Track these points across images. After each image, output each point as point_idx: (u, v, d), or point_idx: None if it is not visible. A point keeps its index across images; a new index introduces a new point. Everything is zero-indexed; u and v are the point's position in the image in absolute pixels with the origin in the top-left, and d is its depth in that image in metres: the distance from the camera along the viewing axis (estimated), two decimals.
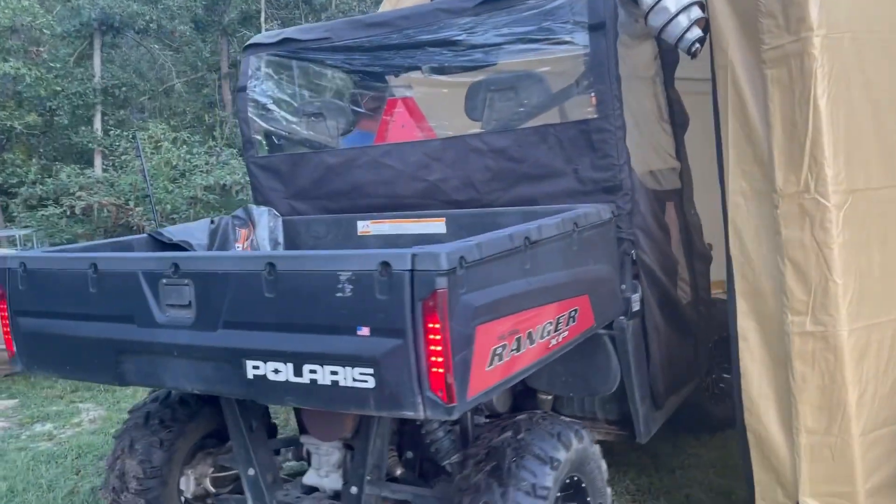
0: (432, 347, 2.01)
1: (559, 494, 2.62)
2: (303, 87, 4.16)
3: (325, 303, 2.13)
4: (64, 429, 5.45)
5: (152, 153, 13.64)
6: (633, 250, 3.09)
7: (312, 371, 2.17)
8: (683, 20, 3.08)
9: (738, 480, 3.58)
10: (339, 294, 2.10)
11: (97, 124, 15.73)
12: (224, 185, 13.40)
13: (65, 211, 12.79)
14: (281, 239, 3.90)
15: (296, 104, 4.07)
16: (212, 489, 3.30)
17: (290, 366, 2.21)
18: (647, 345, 3.18)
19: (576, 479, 2.74)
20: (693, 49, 3.11)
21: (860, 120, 2.84)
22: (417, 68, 3.83)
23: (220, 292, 2.35)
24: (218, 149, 14.30)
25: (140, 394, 5.98)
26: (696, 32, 3.08)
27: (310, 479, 3.09)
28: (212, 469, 3.32)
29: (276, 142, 4.09)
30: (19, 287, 2.84)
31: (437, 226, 3.45)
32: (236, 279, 2.32)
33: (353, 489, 2.85)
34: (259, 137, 4.01)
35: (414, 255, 2.02)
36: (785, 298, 2.85)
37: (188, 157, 13.76)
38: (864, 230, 2.80)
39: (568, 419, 2.85)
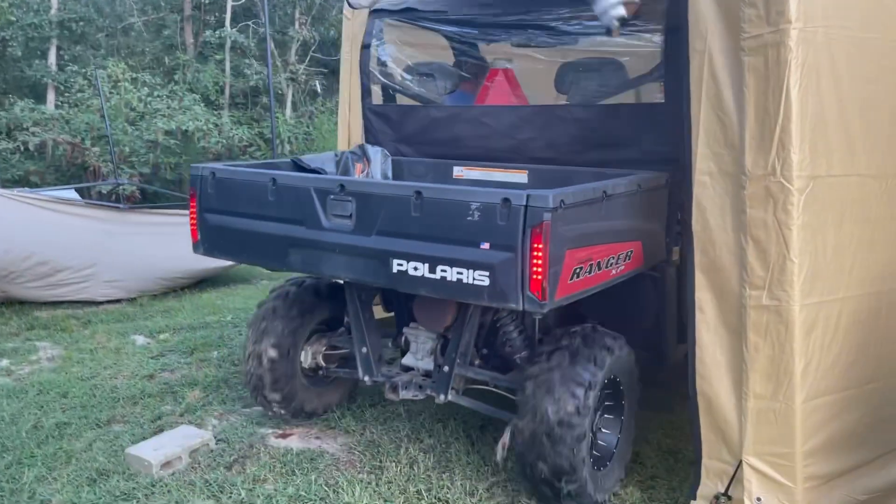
0: (535, 261, 2.82)
1: (603, 389, 3.40)
2: (415, 49, 4.92)
3: (457, 223, 2.97)
4: (21, 366, 5.43)
5: (111, 93, 13.28)
6: (679, 212, 3.72)
7: (443, 270, 3.01)
8: None
9: (685, 441, 3.89)
10: (469, 218, 2.94)
11: (52, 59, 15.21)
12: (186, 130, 13.16)
13: (18, 146, 12.40)
14: (390, 174, 4.70)
15: (409, 63, 4.83)
16: (322, 363, 4.18)
17: (426, 265, 3.05)
18: (678, 289, 3.81)
19: (615, 378, 3.52)
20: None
21: (826, 110, 3.02)
22: (518, 45, 4.61)
23: (376, 208, 3.20)
24: (180, 94, 14.00)
25: (96, 337, 6.02)
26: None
27: (407, 360, 3.94)
28: (325, 347, 4.19)
29: (389, 93, 4.89)
30: (208, 190, 3.68)
31: (520, 177, 4.23)
32: (390, 200, 3.17)
33: (445, 368, 3.66)
34: (376, 88, 4.80)
35: (528, 195, 2.84)
36: (745, 274, 3.05)
37: (148, 99, 13.44)
38: (821, 214, 3.00)
39: (612, 332, 3.55)
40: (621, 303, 3.61)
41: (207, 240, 3.77)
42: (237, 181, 3.68)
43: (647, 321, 3.87)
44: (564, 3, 4.10)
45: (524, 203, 2.84)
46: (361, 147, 4.67)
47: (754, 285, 3.02)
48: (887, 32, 3.23)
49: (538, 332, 3.75)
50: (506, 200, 2.87)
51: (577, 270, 3.05)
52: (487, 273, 2.91)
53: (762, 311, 3.01)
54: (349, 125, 5.48)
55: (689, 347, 3.27)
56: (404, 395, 3.76)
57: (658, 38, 3.79)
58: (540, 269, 2.82)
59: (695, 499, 3.26)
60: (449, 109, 4.66)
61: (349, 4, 4.99)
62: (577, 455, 3.19)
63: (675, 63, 3.42)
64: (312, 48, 17.22)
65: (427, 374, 3.82)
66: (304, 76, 16.89)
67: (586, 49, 4.28)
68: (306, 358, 4.17)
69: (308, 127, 16.32)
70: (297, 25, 16.79)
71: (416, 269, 3.08)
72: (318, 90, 17.19)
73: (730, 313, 3.14)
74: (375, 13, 4.74)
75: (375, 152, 4.64)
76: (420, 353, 3.89)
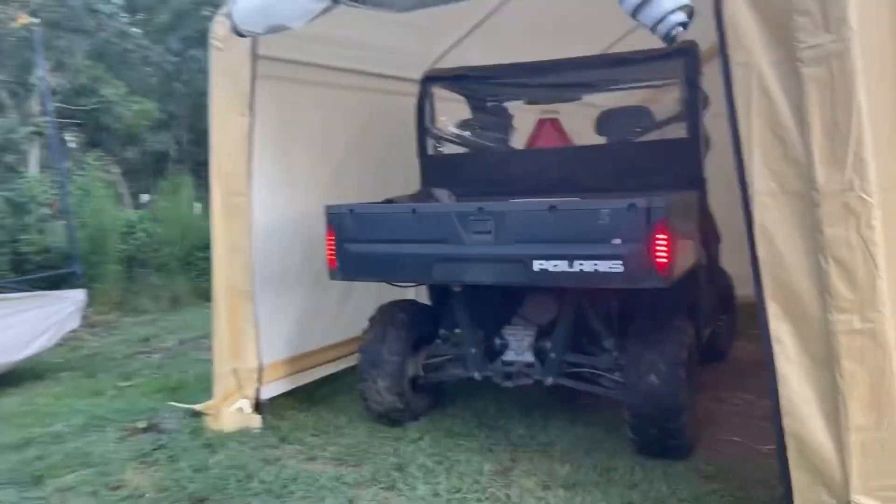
0: (658, 248, 3.63)
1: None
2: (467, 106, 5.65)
3: (591, 226, 3.75)
4: None
5: None
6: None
7: (581, 264, 3.75)
8: (667, 2, 2.95)
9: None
10: (601, 221, 3.71)
11: None
12: None
13: None
14: None
15: (465, 119, 5.63)
16: (421, 372, 4.86)
17: (565, 262, 3.78)
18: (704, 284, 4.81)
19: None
20: (674, 34, 2.98)
21: (874, 120, 2.93)
22: (562, 100, 5.64)
23: (514, 223, 3.98)
24: None
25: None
26: (681, 16, 2.97)
27: (508, 356, 4.59)
28: (423, 357, 4.88)
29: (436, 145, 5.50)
30: (346, 224, 4.35)
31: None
32: (528, 214, 4.00)
33: (552, 355, 4.45)
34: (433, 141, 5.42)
35: (649, 199, 3.66)
36: (829, 297, 2.83)
37: None
38: (891, 228, 2.89)
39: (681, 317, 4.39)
40: (675, 292, 4.00)
41: (348, 266, 4.43)
42: (374, 214, 4.47)
43: (690, 307, 4.63)
44: (599, 64, 5.17)
45: (646, 206, 3.64)
46: (428, 191, 5.21)
47: (842, 309, 2.82)
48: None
49: (616, 323, 4.55)
50: (631, 205, 3.67)
51: (678, 255, 3.79)
52: (620, 262, 3.67)
53: (855, 336, 2.81)
54: (225, 171, 4.67)
55: (769, 384, 2.98)
56: (517, 382, 4.53)
57: (680, 87, 4.64)
58: (664, 253, 3.62)
59: None
60: (504, 154, 5.48)
61: (238, 33, 4.16)
62: (683, 409, 4.04)
63: (693, 107, 4.53)
64: (57, 97, 15.02)
65: (529, 365, 4.52)
66: (49, 128, 14.61)
67: (619, 96, 5.67)
68: (413, 367, 4.86)
69: (64, 186, 14.10)
70: (39, 71, 14.53)
71: (555, 266, 3.82)
72: (73, 143, 15.03)
73: (812, 341, 2.91)
74: (427, 81, 5.37)
75: (441, 194, 5.19)
76: (521, 348, 4.59)
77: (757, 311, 3.03)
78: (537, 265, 3.84)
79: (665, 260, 3.59)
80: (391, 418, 4.78)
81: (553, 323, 4.52)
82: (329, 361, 5.63)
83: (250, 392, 4.92)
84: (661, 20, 2.87)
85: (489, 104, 5.64)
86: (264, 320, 4.98)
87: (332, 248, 4.36)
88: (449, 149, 5.53)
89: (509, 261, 3.94)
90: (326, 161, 5.53)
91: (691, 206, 4.41)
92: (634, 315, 4.40)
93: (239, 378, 4.90)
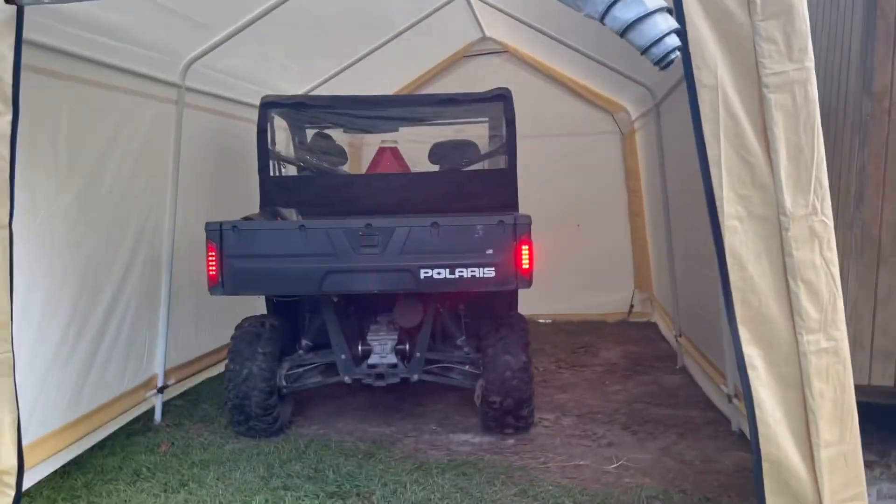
0: (523, 256, 4.44)
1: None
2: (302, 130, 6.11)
3: (468, 239, 4.47)
4: None
5: None
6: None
7: (461, 271, 4.43)
8: (662, 23, 2.81)
9: None
10: (476, 235, 4.46)
11: None
12: None
13: None
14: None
15: (299, 142, 6.08)
16: (284, 382, 5.11)
17: (447, 270, 4.43)
18: None
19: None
20: (671, 59, 2.86)
21: None
22: (392, 130, 6.28)
23: (401, 238, 4.49)
24: None
25: None
26: (676, 40, 2.85)
27: (373, 360, 5.11)
28: (288, 367, 5.18)
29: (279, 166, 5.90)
30: (231, 240, 4.55)
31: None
32: (415, 230, 4.51)
33: (417, 354, 5.06)
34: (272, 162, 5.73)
35: (515, 217, 4.50)
36: (800, 319, 2.90)
37: None
38: None
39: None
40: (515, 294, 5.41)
41: (231, 280, 4.58)
42: (259, 230, 4.68)
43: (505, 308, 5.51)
44: (429, 102, 5.90)
45: (513, 223, 4.46)
46: (275, 210, 5.58)
47: (811, 329, 2.90)
48: None
49: (464, 321, 5.38)
50: (501, 221, 4.47)
51: (535, 262, 4.56)
52: (493, 269, 4.42)
53: (822, 355, 2.91)
54: None
55: (746, 410, 2.94)
56: (387, 381, 5.05)
57: (501, 126, 5.58)
58: (526, 262, 4.44)
59: None
60: (345, 177, 6.07)
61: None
62: (530, 387, 4.84)
63: (511, 142, 5.47)
64: None
65: (393, 366, 5.07)
66: None
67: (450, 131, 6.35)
68: (279, 377, 5.10)
69: None
70: None
71: (438, 273, 4.43)
72: None
73: (782, 365, 2.96)
74: (267, 106, 5.62)
75: (289, 213, 5.66)
76: (383, 351, 5.13)
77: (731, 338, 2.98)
78: (423, 274, 4.43)
79: (528, 266, 4.44)
80: (258, 431, 4.96)
81: (419, 326, 5.08)
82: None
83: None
84: (656, 42, 2.65)
85: (324, 130, 6.20)
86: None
87: (214, 263, 4.52)
88: (289, 170, 5.97)
89: (398, 270, 4.48)
90: (74, 173, 4.30)
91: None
92: (483, 316, 5.20)
93: None
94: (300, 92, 7.34)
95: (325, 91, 7.51)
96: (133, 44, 4.78)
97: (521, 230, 4.42)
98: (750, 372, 2.95)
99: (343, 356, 5.04)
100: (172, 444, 4.87)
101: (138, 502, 4.00)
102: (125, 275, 4.95)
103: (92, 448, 4.63)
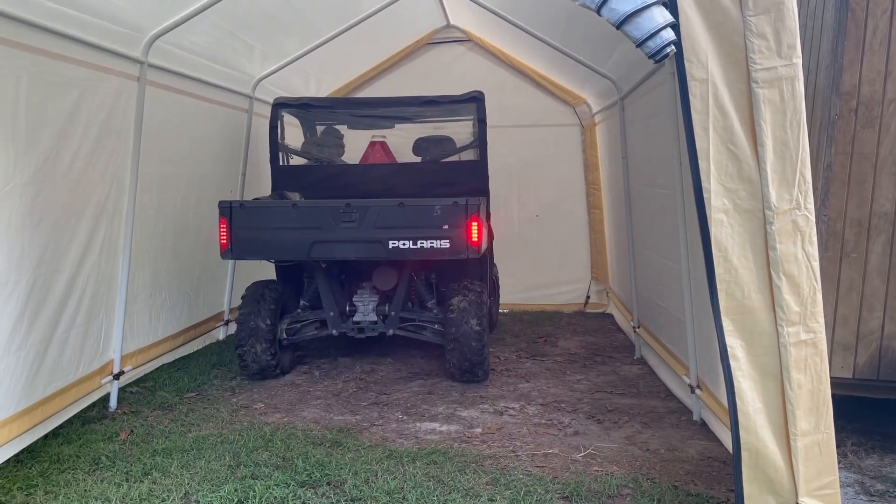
0: (473, 231, 5.30)
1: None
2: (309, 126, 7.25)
3: (428, 217, 5.33)
4: None
5: None
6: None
7: (421, 243, 5.32)
8: (658, 16, 2.83)
9: None
10: (435, 213, 5.31)
11: None
12: None
13: None
14: None
15: (306, 137, 7.24)
16: (284, 335, 6.18)
17: (411, 241, 5.33)
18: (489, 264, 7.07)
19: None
20: (666, 52, 2.88)
21: None
22: (385, 128, 7.18)
23: (374, 215, 5.39)
24: None
25: None
26: (671, 34, 2.88)
27: (357, 317, 6.19)
28: (286, 323, 6.23)
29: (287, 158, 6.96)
30: (238, 216, 5.51)
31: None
32: (385, 209, 5.40)
33: (392, 313, 6.11)
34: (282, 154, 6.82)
35: (467, 200, 5.34)
36: (781, 311, 2.96)
37: None
38: None
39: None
40: (476, 264, 6.21)
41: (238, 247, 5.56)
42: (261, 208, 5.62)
43: (482, 277, 6.45)
44: (415, 103, 6.67)
45: (465, 203, 5.29)
46: (282, 193, 6.52)
47: (791, 322, 2.97)
48: None
49: (437, 288, 6.45)
50: (456, 202, 5.30)
51: (484, 239, 5.52)
52: (448, 241, 5.28)
53: (801, 347, 2.97)
54: None
55: (727, 399, 2.99)
56: (367, 334, 6.12)
57: (474, 124, 6.61)
58: (476, 235, 5.30)
59: None
60: (341, 167, 6.99)
61: None
62: (485, 346, 5.78)
63: (483, 137, 6.47)
64: None
65: (374, 323, 6.11)
66: None
67: (431, 128, 7.21)
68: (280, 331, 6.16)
69: None
70: None
71: (403, 244, 5.32)
72: None
73: (763, 356, 3.01)
74: (278, 105, 6.67)
75: (293, 196, 6.56)
76: (366, 311, 6.17)
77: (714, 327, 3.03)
78: (391, 244, 5.34)
79: (477, 240, 5.30)
80: (265, 375, 5.97)
81: (394, 290, 6.12)
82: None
83: None
84: (652, 35, 2.67)
85: (328, 126, 7.16)
86: None
87: (225, 234, 5.46)
88: (295, 160, 6.92)
89: (371, 241, 5.38)
90: (31, 149, 4.13)
91: (485, 207, 6.13)
92: (448, 281, 6.17)
93: None
94: (263, 73, 7.21)
95: (286, 73, 7.39)
96: (96, 15, 4.58)
97: (471, 210, 5.28)
98: (732, 362, 3.00)
99: (332, 314, 6.12)
100: (132, 431, 4.71)
101: (99, 492, 3.86)
102: (83, 256, 4.75)
103: (46, 436, 4.46)
